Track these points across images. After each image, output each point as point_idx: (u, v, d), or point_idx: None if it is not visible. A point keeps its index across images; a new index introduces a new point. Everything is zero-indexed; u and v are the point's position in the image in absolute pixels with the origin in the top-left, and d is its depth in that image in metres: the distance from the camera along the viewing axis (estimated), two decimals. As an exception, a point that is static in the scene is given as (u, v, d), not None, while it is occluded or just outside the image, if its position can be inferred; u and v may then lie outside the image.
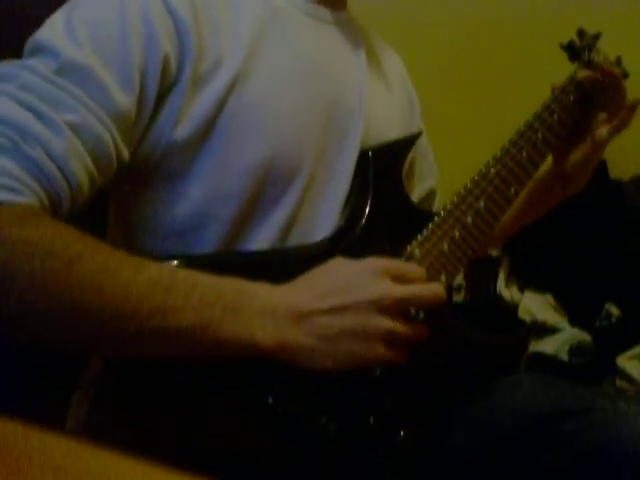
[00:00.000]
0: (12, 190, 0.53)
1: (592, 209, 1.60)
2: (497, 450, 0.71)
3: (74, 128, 0.58)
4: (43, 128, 0.56)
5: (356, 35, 0.85)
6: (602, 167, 1.76)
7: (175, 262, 0.62)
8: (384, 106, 0.85)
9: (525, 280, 1.69)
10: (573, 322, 1.63)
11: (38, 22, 0.63)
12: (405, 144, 0.82)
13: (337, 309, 0.60)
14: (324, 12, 0.80)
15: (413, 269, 0.67)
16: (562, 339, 1.57)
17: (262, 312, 0.58)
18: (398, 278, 0.63)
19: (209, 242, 0.69)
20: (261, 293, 0.60)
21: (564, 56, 0.94)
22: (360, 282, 0.62)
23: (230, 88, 0.67)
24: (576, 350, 1.54)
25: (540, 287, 1.68)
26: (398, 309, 0.62)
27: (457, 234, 0.75)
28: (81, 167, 0.58)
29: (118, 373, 0.59)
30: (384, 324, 0.60)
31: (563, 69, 0.91)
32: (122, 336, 0.55)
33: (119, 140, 0.62)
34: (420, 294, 0.63)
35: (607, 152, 1.72)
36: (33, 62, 0.59)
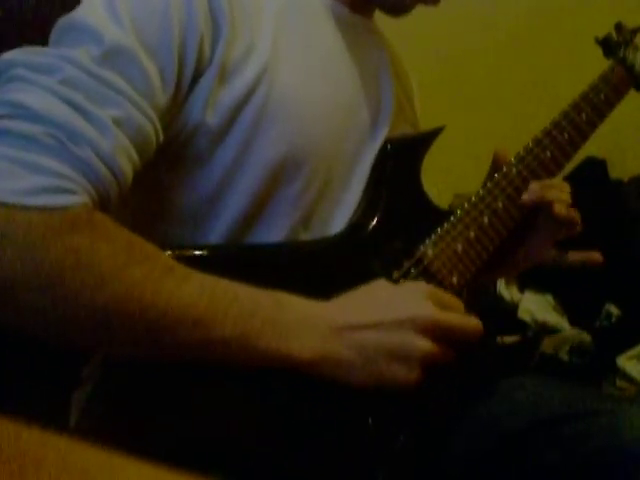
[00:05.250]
0: (64, 191, 0.53)
1: (592, 209, 1.61)
2: (499, 453, 0.70)
3: (119, 123, 0.57)
4: (89, 127, 0.55)
5: (380, 44, 0.85)
6: (602, 167, 1.76)
7: (200, 252, 0.63)
8: (402, 120, 0.85)
9: (525, 280, 1.69)
10: (573, 322, 1.63)
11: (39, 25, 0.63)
12: (425, 140, 0.80)
13: (378, 324, 0.60)
14: (350, 14, 0.80)
15: (454, 299, 0.66)
16: (562, 339, 1.57)
17: (301, 324, 0.58)
18: (439, 304, 0.63)
19: (219, 233, 0.68)
20: (299, 306, 0.60)
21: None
22: (402, 300, 0.62)
23: (258, 80, 0.67)
24: (576, 350, 1.54)
25: (540, 287, 1.68)
26: (438, 333, 0.61)
27: (472, 234, 0.73)
28: (127, 161, 0.58)
29: (118, 368, 0.59)
30: (425, 346, 0.60)
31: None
32: (160, 346, 0.55)
33: (159, 127, 0.62)
34: (459, 323, 0.63)
35: (607, 152, 1.72)
36: (75, 52, 0.58)
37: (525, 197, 0.77)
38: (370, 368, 0.59)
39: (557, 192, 0.77)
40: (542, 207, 0.77)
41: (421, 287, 0.65)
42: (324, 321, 0.59)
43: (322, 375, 0.59)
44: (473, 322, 0.64)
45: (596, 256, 0.82)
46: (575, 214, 0.78)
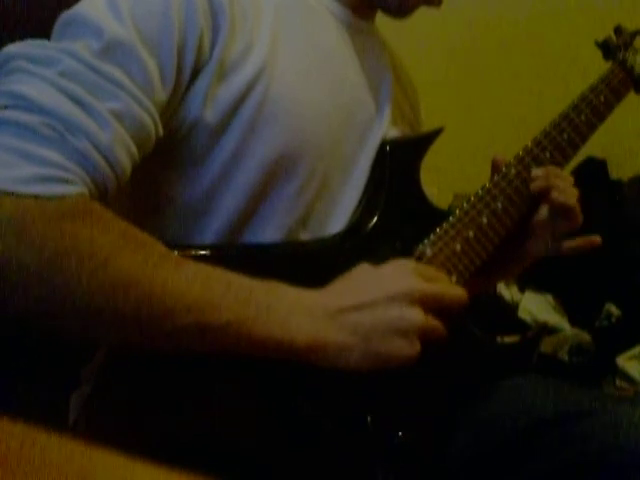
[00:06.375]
0: (61, 181, 0.53)
1: (592, 209, 1.61)
2: (498, 453, 0.70)
3: (118, 116, 0.58)
4: (88, 119, 0.56)
5: (380, 47, 0.85)
6: (602, 167, 1.77)
7: (197, 251, 0.63)
8: (400, 122, 0.85)
9: (525, 280, 1.69)
10: (573, 322, 1.64)
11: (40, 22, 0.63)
12: (424, 141, 0.80)
13: (369, 304, 0.60)
14: (351, 17, 0.80)
15: (437, 272, 0.67)
16: (562, 339, 1.57)
17: (295, 311, 0.58)
18: (425, 277, 0.63)
19: (215, 229, 0.69)
20: (292, 293, 0.60)
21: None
22: (390, 277, 0.62)
23: (257, 78, 0.67)
24: (576, 350, 1.54)
25: (540, 287, 1.68)
26: (427, 304, 0.61)
27: (471, 234, 0.73)
28: (125, 154, 0.59)
29: (118, 368, 0.60)
30: (421, 318, 0.60)
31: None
32: (157, 333, 0.55)
33: (158, 121, 0.62)
34: (447, 293, 0.64)
35: (607, 152, 1.72)
36: (75, 46, 0.58)
37: (534, 185, 0.77)
38: (370, 348, 0.59)
39: (560, 181, 0.77)
40: (546, 196, 0.77)
41: (405, 263, 0.65)
42: (317, 307, 0.59)
43: (319, 361, 0.59)
44: (459, 291, 0.66)
45: (594, 239, 0.81)
46: (575, 204, 0.77)
